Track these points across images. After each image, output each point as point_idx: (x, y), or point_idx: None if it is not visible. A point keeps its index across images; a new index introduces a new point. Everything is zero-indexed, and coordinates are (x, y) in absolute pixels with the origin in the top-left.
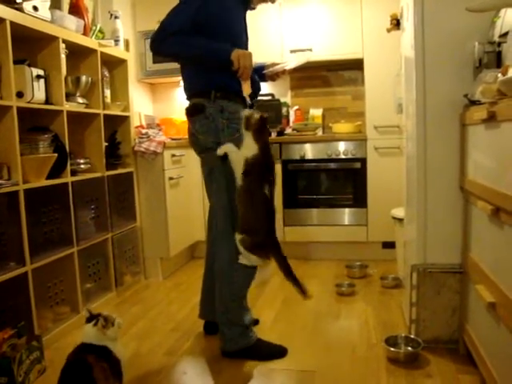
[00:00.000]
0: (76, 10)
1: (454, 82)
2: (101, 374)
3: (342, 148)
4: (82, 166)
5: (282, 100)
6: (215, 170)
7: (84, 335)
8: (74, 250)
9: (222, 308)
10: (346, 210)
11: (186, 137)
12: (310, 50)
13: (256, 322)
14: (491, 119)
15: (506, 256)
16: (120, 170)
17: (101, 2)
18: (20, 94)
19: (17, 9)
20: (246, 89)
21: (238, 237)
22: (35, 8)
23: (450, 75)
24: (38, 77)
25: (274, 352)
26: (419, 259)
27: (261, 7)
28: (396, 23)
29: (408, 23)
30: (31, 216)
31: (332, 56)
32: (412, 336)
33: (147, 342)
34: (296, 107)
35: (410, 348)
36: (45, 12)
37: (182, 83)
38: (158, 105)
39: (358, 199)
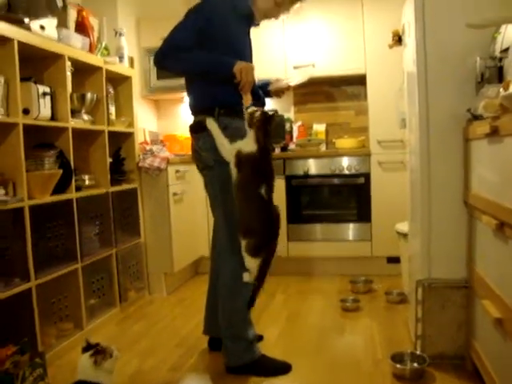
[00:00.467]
0: (82, 28)
1: (456, 97)
2: None
3: (346, 163)
4: (87, 182)
5: (286, 116)
6: (215, 186)
7: (80, 369)
8: (78, 265)
9: (225, 323)
10: (350, 225)
11: (190, 153)
12: (313, 65)
13: (260, 337)
14: (494, 134)
15: None
16: (124, 186)
17: (106, 20)
18: (26, 111)
19: (24, 28)
20: (246, 101)
21: (242, 243)
22: (42, 27)
23: (452, 90)
24: (44, 94)
25: (279, 368)
26: (424, 274)
27: (264, 23)
28: (398, 39)
29: (410, 39)
30: (36, 232)
31: (335, 72)
32: (418, 352)
33: (151, 357)
34: (299, 123)
35: (415, 364)
36: (51, 31)
37: (186, 99)
38: (162, 121)
39: (362, 214)
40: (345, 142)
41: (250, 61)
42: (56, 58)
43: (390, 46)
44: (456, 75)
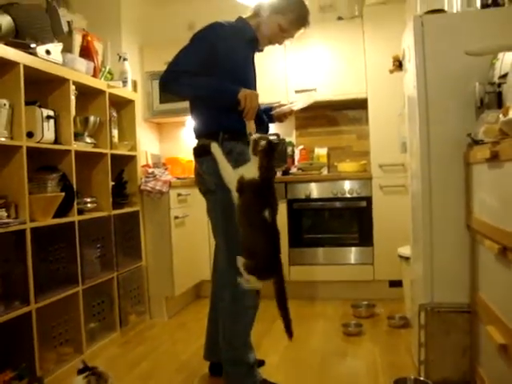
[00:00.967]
0: (86, 52)
1: (456, 122)
2: None
3: (348, 187)
4: (89, 205)
5: (287, 139)
6: (217, 210)
7: None
8: (79, 288)
9: (226, 347)
10: (352, 249)
11: (192, 176)
12: (315, 90)
13: (261, 362)
14: (494, 159)
15: None
16: (126, 209)
17: (110, 45)
18: (30, 134)
19: (30, 53)
20: (250, 128)
21: (241, 261)
22: (48, 52)
23: (452, 114)
24: (48, 117)
25: None
26: (426, 298)
27: (267, 49)
28: (398, 64)
29: (410, 64)
30: (37, 254)
31: (336, 96)
32: (421, 378)
33: (151, 382)
34: (301, 146)
35: None
36: (57, 55)
37: (188, 123)
38: (165, 144)
39: (364, 238)
40: (346, 166)
41: (254, 86)
42: (61, 81)
43: (391, 71)
44: (456, 100)
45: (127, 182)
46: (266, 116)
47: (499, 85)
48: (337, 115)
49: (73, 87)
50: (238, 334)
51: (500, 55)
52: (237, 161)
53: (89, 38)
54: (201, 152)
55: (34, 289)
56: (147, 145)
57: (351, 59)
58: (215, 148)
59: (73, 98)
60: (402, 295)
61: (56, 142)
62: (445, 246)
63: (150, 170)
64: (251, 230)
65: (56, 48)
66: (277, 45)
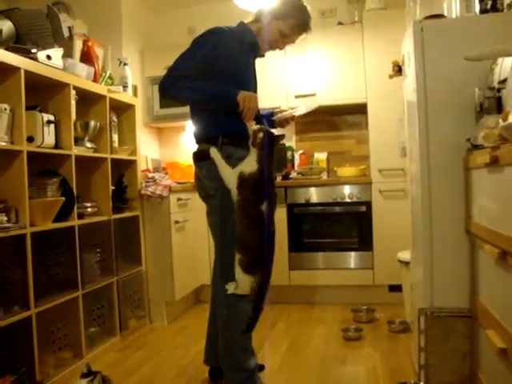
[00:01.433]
0: (87, 57)
1: (456, 126)
2: None
3: (347, 191)
4: (89, 210)
5: (287, 144)
6: (216, 215)
7: None
8: (78, 293)
9: (225, 352)
10: (352, 254)
11: (192, 181)
12: (315, 94)
13: (262, 367)
14: (494, 163)
15: None
16: (126, 214)
17: (111, 50)
18: (30, 139)
19: (31, 58)
20: (250, 129)
21: (236, 257)
22: (48, 57)
23: (452, 119)
24: (49, 122)
25: None
26: (426, 303)
27: (267, 54)
28: (398, 70)
29: (409, 69)
30: (37, 259)
31: (336, 101)
32: (421, 382)
33: None
34: (301, 151)
35: None
36: (57, 60)
37: (188, 128)
38: (165, 149)
39: (364, 242)
40: (346, 171)
41: (255, 91)
42: (61, 86)
43: (391, 76)
44: (455, 105)
45: (127, 186)
46: (267, 121)
47: (499, 90)
48: (336, 120)
49: (73, 92)
50: (235, 339)
51: (499, 60)
52: (236, 166)
53: (89, 43)
54: (200, 157)
55: (34, 293)
56: (147, 149)
57: (351, 64)
58: (214, 153)
59: (73, 102)
60: (401, 300)
61: (56, 146)
62: (444, 250)
63: (150, 175)
64: (246, 224)
65: (57, 53)
66: (277, 50)
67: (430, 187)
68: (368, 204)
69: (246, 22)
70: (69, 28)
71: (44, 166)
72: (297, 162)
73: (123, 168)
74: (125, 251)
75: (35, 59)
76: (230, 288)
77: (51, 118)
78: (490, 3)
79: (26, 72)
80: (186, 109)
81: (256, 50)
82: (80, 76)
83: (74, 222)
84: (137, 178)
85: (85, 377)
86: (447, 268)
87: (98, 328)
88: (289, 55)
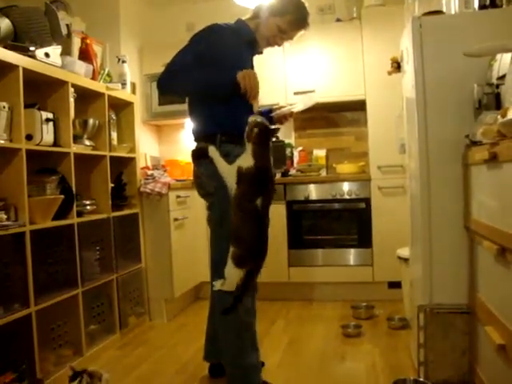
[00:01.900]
0: (85, 55)
1: (455, 123)
2: None
3: (346, 188)
4: (88, 207)
5: (286, 141)
6: (215, 213)
7: None
8: (78, 291)
9: (226, 347)
10: (351, 251)
11: (191, 178)
12: (314, 91)
13: (261, 364)
14: (493, 160)
15: None
16: (126, 211)
17: (109, 47)
18: (29, 137)
19: (30, 56)
20: (256, 107)
21: (230, 250)
22: (47, 55)
23: (451, 116)
24: (47, 120)
25: None
26: (425, 299)
27: (265, 50)
28: (397, 66)
29: (408, 66)
30: (37, 257)
31: (335, 97)
32: (421, 379)
33: None
34: (300, 148)
35: None
36: (56, 58)
37: (187, 125)
38: (164, 146)
39: (363, 239)
40: (345, 167)
41: None
42: (60, 84)
43: (389, 73)
44: (454, 101)
45: (126, 184)
46: (266, 118)
47: (497, 86)
48: (335, 117)
49: (72, 90)
50: (234, 336)
51: (498, 56)
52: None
53: (88, 41)
54: (199, 155)
55: (34, 291)
56: (146, 147)
57: (350, 61)
58: (213, 151)
59: (72, 100)
60: (401, 296)
61: (55, 144)
62: (443, 247)
63: (149, 172)
64: (241, 217)
65: (55, 51)
66: (276, 46)
67: (428, 184)
68: (367, 201)
69: (243, 18)
70: (67, 26)
71: (43, 164)
72: (296, 159)
73: (122, 165)
74: (124, 249)
75: (33, 57)
76: (217, 285)
77: (50, 115)
78: None
79: (25, 70)
80: (185, 106)
81: (254, 47)
82: (78, 74)
83: (74, 219)
84: (136, 175)
85: (73, 380)
86: (446, 264)
87: (97, 325)
88: (287, 52)
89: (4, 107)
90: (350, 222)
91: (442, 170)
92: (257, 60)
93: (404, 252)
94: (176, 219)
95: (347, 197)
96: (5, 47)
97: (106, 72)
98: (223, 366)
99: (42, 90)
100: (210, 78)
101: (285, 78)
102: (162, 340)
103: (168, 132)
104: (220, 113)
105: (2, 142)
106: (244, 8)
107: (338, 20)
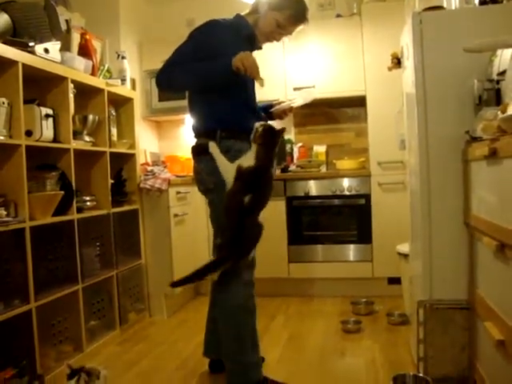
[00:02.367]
0: (85, 51)
1: (455, 119)
2: None
3: (346, 184)
4: (88, 204)
5: (286, 137)
6: (214, 209)
7: None
8: (78, 287)
9: (226, 344)
10: (351, 246)
11: (191, 174)
12: (313, 87)
13: (262, 360)
14: (493, 155)
15: None
16: (125, 207)
17: (109, 43)
18: (29, 133)
19: (29, 52)
20: (261, 84)
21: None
22: (46, 50)
23: (451, 111)
24: (47, 116)
25: None
26: (425, 295)
27: (265, 46)
28: (397, 62)
29: (408, 62)
30: (37, 253)
31: (335, 93)
32: (420, 374)
33: (151, 380)
34: (300, 144)
35: None
36: (55, 54)
37: (187, 121)
38: (164, 142)
39: (363, 235)
40: (345, 163)
41: (252, 84)
42: (59, 80)
43: (390, 69)
44: (455, 97)
45: (126, 180)
46: (265, 113)
47: (498, 82)
48: (335, 113)
49: (71, 86)
50: (235, 332)
51: (498, 52)
52: (235, 158)
53: (87, 37)
54: (199, 151)
55: (34, 287)
56: (146, 143)
57: (350, 56)
58: (213, 147)
59: (71, 96)
60: (400, 292)
61: (55, 140)
62: (443, 243)
63: (149, 168)
64: (225, 210)
65: (54, 46)
66: (275, 42)
67: (428, 180)
68: (367, 197)
69: (242, 13)
70: (66, 21)
71: (43, 160)
72: (296, 154)
73: (122, 161)
74: (124, 245)
75: (33, 53)
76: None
77: (49, 111)
78: None
79: (24, 65)
80: (185, 102)
81: (253, 42)
82: (78, 69)
83: (74, 215)
84: (136, 171)
85: (71, 378)
86: (446, 260)
87: (97, 321)
88: (287, 48)
89: (3, 103)
90: (349, 218)
91: (441, 165)
92: (256, 55)
93: (404, 248)
94: (176, 215)
95: (347, 193)
96: (4, 43)
97: (106, 68)
98: (223, 362)
99: (41, 86)
100: (208, 68)
101: (284, 73)
102: (162, 336)
103: (168, 128)
104: (220, 109)
105: (2, 138)
106: (243, 3)
107: (338, 16)
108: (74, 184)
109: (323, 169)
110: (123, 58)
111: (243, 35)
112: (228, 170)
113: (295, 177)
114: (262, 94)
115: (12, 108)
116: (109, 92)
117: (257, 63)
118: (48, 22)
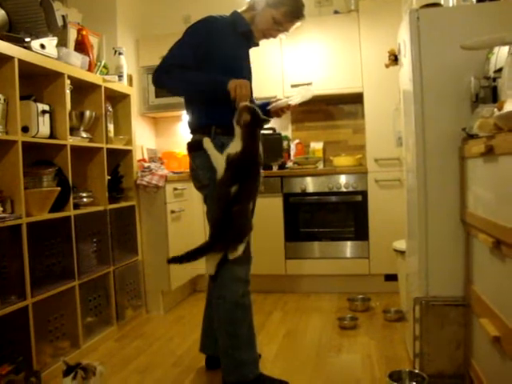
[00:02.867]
0: (81, 46)
1: (452, 116)
2: None
3: (343, 181)
4: (85, 200)
5: (283, 134)
6: (209, 205)
7: None
8: (75, 283)
9: (222, 340)
10: (348, 243)
11: (188, 170)
12: (311, 84)
13: (258, 356)
14: (489, 153)
15: (509, 289)
16: (122, 204)
17: (106, 39)
18: (25, 129)
19: (25, 47)
20: (245, 117)
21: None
22: (42, 46)
23: (448, 109)
24: (44, 112)
25: None
26: (422, 292)
27: (262, 43)
28: (394, 59)
29: (406, 59)
30: (33, 249)
31: (332, 90)
32: (416, 371)
33: (148, 377)
34: (297, 141)
35: (414, 383)
36: (51, 49)
37: (184, 117)
38: (161, 138)
39: (360, 232)
40: (342, 160)
41: (250, 80)
42: (56, 76)
43: (387, 66)
44: (451, 94)
45: (123, 176)
46: (262, 111)
47: (494, 79)
48: (333, 109)
49: (68, 81)
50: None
51: (495, 49)
52: None
53: (84, 32)
54: (194, 147)
55: (31, 283)
56: (143, 139)
57: (347, 53)
58: (207, 143)
59: (68, 92)
60: (397, 289)
61: (51, 136)
62: (440, 239)
63: (146, 165)
64: (215, 200)
65: (51, 42)
66: (272, 38)
67: (425, 177)
68: (364, 193)
69: (239, 10)
70: (63, 17)
71: (39, 156)
72: (293, 151)
73: (119, 158)
74: (121, 241)
75: (29, 48)
76: (230, 256)
77: (46, 107)
78: None
79: (20, 61)
80: (181, 98)
81: (250, 39)
82: (75, 65)
83: (70, 212)
84: (132, 167)
85: (67, 374)
86: (442, 257)
87: (94, 318)
88: (285, 44)
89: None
90: (346, 215)
91: (438, 162)
92: (253, 52)
93: (400, 245)
94: (173, 211)
95: (344, 189)
96: (0, 38)
97: (103, 64)
98: (219, 358)
99: (37, 82)
100: (203, 81)
101: (282, 70)
102: (159, 332)
103: (165, 124)
104: (215, 105)
105: None
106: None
107: (336, 12)
108: (70, 180)
109: (320, 165)
110: (120, 54)
111: (240, 32)
112: (219, 162)
113: (292, 173)
114: (260, 91)
115: (8, 104)
116: (106, 88)
117: (249, 93)
118: (44, 18)
